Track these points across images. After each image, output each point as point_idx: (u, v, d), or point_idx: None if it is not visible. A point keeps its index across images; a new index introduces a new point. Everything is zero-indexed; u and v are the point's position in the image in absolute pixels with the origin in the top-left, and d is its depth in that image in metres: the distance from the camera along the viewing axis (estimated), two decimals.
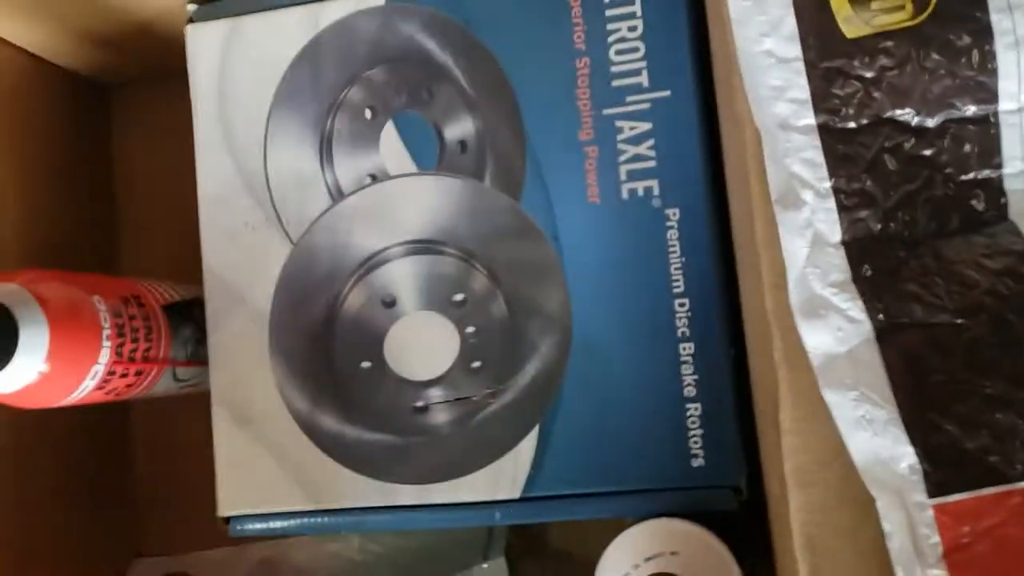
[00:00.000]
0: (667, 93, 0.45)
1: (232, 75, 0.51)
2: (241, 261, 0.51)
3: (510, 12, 0.47)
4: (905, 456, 0.32)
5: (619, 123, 0.45)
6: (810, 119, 0.35)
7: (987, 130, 0.34)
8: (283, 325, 0.50)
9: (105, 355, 0.46)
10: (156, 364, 0.50)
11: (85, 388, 0.46)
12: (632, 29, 0.45)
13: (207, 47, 0.51)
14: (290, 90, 0.50)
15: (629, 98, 0.46)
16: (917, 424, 0.32)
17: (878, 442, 0.33)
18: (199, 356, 0.53)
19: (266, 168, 0.51)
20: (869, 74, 0.34)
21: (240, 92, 0.51)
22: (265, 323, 0.51)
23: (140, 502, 0.66)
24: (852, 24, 0.34)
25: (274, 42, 0.50)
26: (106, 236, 0.66)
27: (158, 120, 0.66)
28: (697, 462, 0.45)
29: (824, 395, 0.34)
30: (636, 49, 0.45)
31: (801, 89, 0.35)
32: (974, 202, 0.34)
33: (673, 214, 0.44)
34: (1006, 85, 0.33)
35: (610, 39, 0.46)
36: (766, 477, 0.42)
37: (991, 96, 0.34)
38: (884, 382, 0.33)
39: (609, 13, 0.46)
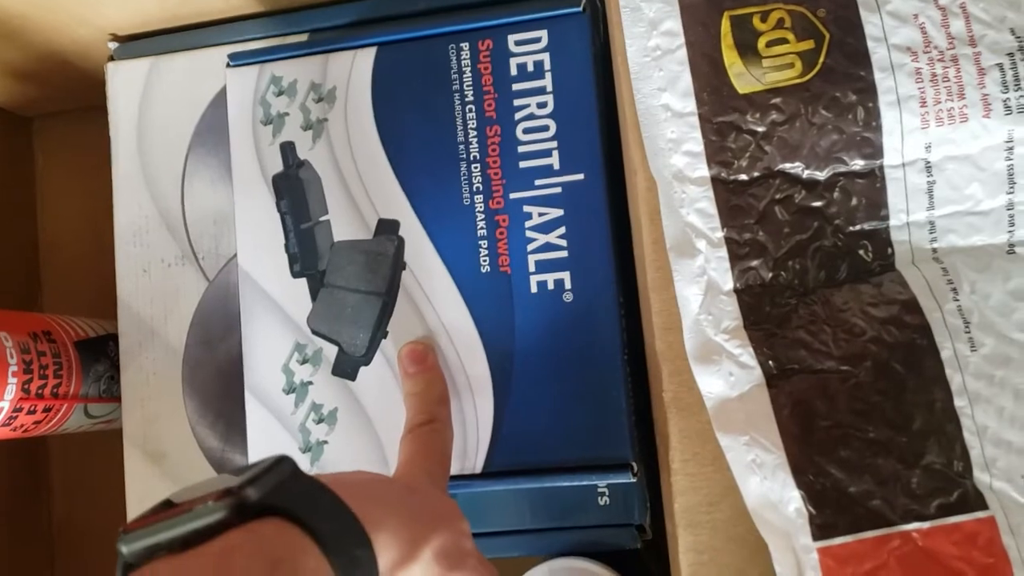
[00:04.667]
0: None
1: (151, 113, 0.51)
2: (156, 297, 0.51)
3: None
4: (792, 500, 0.33)
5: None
6: (704, 171, 0.36)
7: (873, 183, 0.35)
8: (196, 362, 0.50)
9: (11, 391, 0.45)
10: (66, 401, 0.50)
11: None
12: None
13: (127, 85, 0.51)
14: (208, 129, 0.50)
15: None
16: (804, 469, 0.33)
17: (768, 486, 0.34)
18: (113, 392, 0.53)
19: (183, 205, 0.51)
20: (760, 128, 0.35)
21: (159, 130, 0.51)
22: (179, 360, 0.50)
23: (56, 539, 0.64)
24: (744, 80, 0.35)
25: (193, 82, 0.50)
26: (27, 269, 0.65)
27: (81, 153, 0.65)
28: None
29: (718, 438, 0.35)
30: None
31: (696, 142, 0.36)
32: (862, 252, 0.36)
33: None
34: (890, 141, 0.35)
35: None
36: (665, 516, 0.43)
37: (876, 151, 0.35)
38: (773, 427, 0.34)
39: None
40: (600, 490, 0.44)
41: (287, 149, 0.46)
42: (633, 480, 0.41)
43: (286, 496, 0.26)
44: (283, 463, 0.28)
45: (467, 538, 0.34)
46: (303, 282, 0.45)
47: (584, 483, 0.43)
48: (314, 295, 0.45)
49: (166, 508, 0.27)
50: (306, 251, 0.45)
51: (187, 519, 0.25)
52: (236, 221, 0.46)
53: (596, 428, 0.42)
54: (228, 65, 0.47)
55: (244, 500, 0.26)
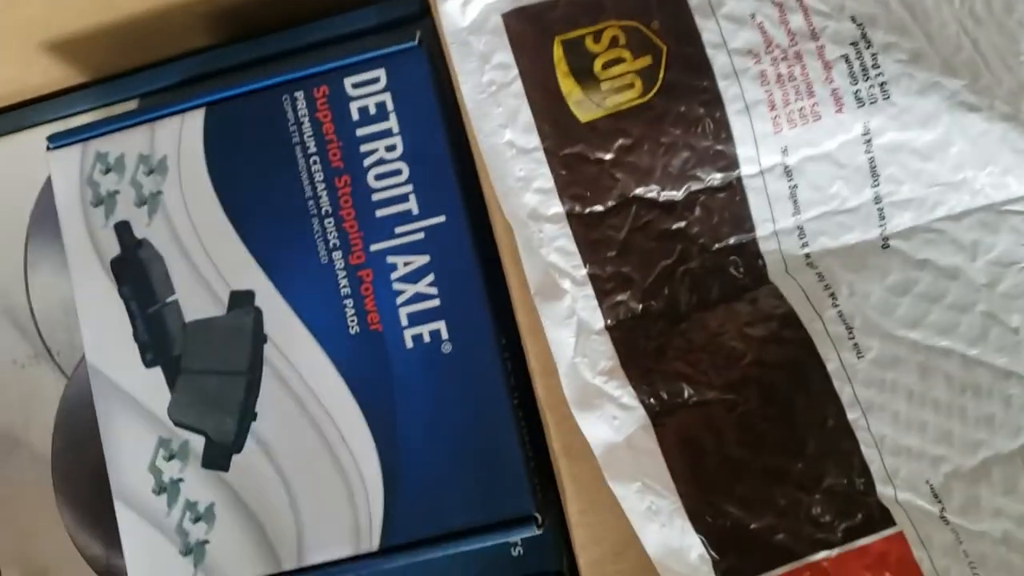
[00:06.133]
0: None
1: None
2: (13, 402, 0.47)
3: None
4: (693, 546, 0.31)
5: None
6: (558, 207, 0.34)
7: (733, 196, 0.33)
8: (67, 468, 0.46)
9: None
10: None
11: None
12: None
13: None
14: (45, 215, 0.47)
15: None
16: (700, 511, 0.31)
17: (667, 533, 0.32)
18: None
19: (29, 299, 0.47)
20: (608, 156, 0.33)
21: None
22: (47, 467, 0.47)
23: None
24: (584, 108, 0.33)
25: (22, 167, 0.47)
26: None
27: None
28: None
29: (611, 487, 0.33)
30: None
31: (545, 178, 0.34)
32: (732, 269, 0.34)
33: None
34: (744, 150, 0.33)
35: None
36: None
37: (731, 163, 0.33)
38: (663, 470, 0.32)
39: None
40: (512, 542, 0.42)
41: (122, 230, 0.42)
42: (540, 532, 0.39)
43: None
44: None
45: None
46: (159, 371, 0.42)
47: (491, 543, 0.40)
48: (172, 384, 0.42)
49: None
50: (157, 337, 0.42)
51: None
52: (79, 313, 0.43)
53: (494, 483, 0.40)
54: (48, 148, 0.43)
55: None
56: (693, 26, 0.33)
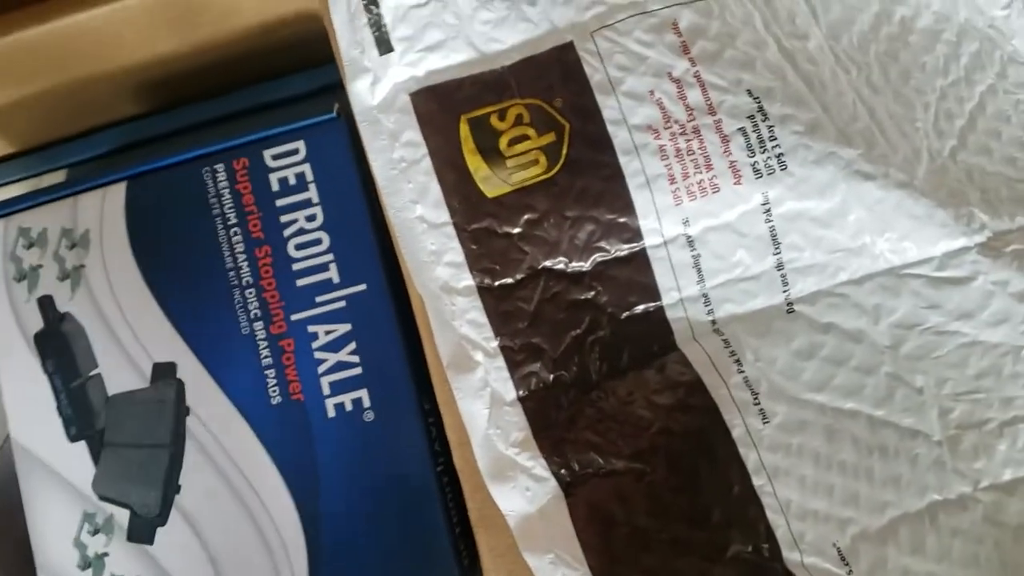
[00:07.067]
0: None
1: None
2: None
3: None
4: None
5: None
6: (469, 280, 0.34)
7: (639, 266, 0.34)
8: None
9: None
10: None
11: None
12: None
13: None
14: None
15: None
16: None
17: None
18: None
19: None
20: (516, 230, 0.34)
21: None
22: None
23: None
24: (491, 184, 0.34)
25: None
26: None
27: None
28: None
29: (525, 558, 0.33)
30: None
31: (456, 252, 0.34)
32: (640, 337, 0.34)
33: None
34: (646, 222, 0.34)
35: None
36: None
37: (635, 234, 0.34)
38: (574, 541, 0.32)
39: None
40: None
41: (45, 304, 0.43)
42: None
43: None
44: None
45: None
46: (83, 446, 0.42)
47: None
48: (96, 458, 0.42)
49: None
50: (80, 411, 0.42)
51: None
52: (2, 389, 0.42)
53: (419, 551, 0.40)
54: None
55: None
56: (594, 103, 0.34)
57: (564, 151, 0.34)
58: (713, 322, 0.35)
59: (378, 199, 0.41)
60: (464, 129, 0.34)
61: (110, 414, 0.42)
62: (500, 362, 0.34)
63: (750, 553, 0.32)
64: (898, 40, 0.35)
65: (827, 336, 0.34)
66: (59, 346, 0.42)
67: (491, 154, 0.34)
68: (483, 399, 0.34)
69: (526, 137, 0.34)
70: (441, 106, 0.34)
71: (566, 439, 0.33)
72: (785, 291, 0.35)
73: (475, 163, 0.34)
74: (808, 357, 0.34)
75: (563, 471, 0.33)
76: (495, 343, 0.34)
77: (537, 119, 0.34)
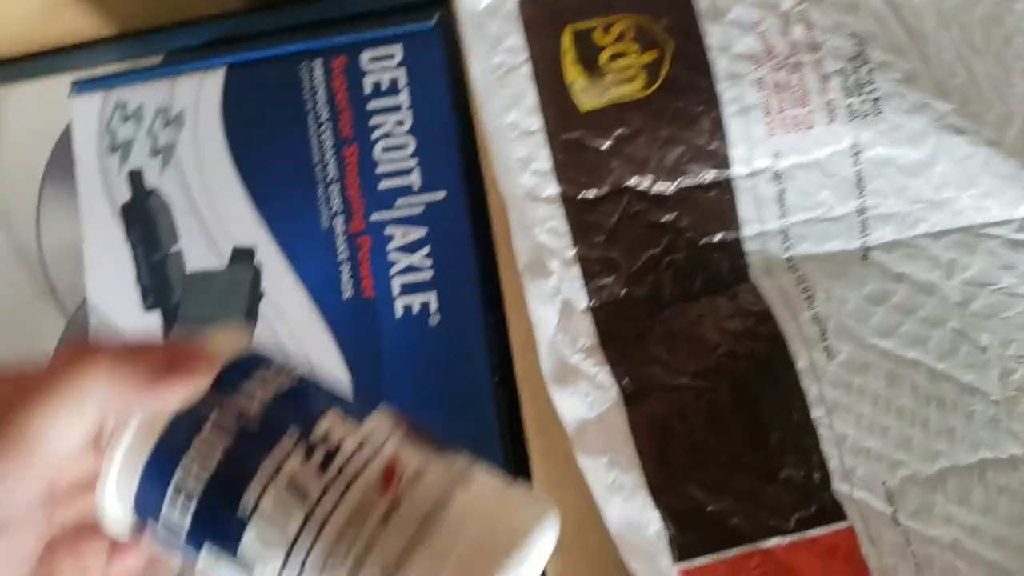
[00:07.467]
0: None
1: (1, 146, 0.49)
2: (15, 336, 0.49)
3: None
4: (652, 521, 0.33)
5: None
6: (553, 190, 0.35)
7: (723, 195, 0.35)
8: None
9: None
10: None
11: None
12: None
13: None
14: (63, 160, 0.48)
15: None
16: (663, 489, 0.33)
17: (629, 507, 0.33)
18: None
19: (39, 236, 0.49)
20: (606, 145, 0.35)
21: (8, 161, 0.48)
22: None
23: None
24: (587, 96, 0.35)
25: (44, 112, 0.48)
26: None
27: None
28: None
29: (578, 460, 0.34)
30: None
31: (544, 160, 0.35)
32: (715, 265, 0.35)
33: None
34: (737, 151, 0.34)
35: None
36: None
37: (723, 162, 0.34)
38: (631, 448, 0.33)
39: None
40: None
41: (135, 178, 0.44)
42: None
43: None
44: None
45: None
46: (156, 316, 0.43)
47: None
48: (167, 330, 0.43)
49: None
50: (158, 283, 0.43)
51: None
52: (85, 253, 0.44)
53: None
54: (72, 93, 0.45)
55: None
56: (699, 28, 0.34)
57: (664, 71, 0.34)
58: (789, 258, 0.35)
59: (466, 111, 0.42)
60: (567, 40, 0.35)
61: (187, 290, 0.43)
62: (576, 271, 0.35)
63: (801, 478, 0.32)
64: (1003, 5, 0.35)
65: (899, 285, 0.35)
66: (144, 219, 0.44)
67: (591, 67, 0.34)
68: (554, 305, 0.35)
69: (627, 53, 0.34)
70: (547, 14, 0.35)
71: (632, 352, 0.34)
72: (863, 236, 0.35)
73: (573, 74, 0.35)
74: (878, 303, 0.34)
75: (626, 380, 0.34)
76: (572, 252, 0.35)
77: (641, 36, 0.34)
